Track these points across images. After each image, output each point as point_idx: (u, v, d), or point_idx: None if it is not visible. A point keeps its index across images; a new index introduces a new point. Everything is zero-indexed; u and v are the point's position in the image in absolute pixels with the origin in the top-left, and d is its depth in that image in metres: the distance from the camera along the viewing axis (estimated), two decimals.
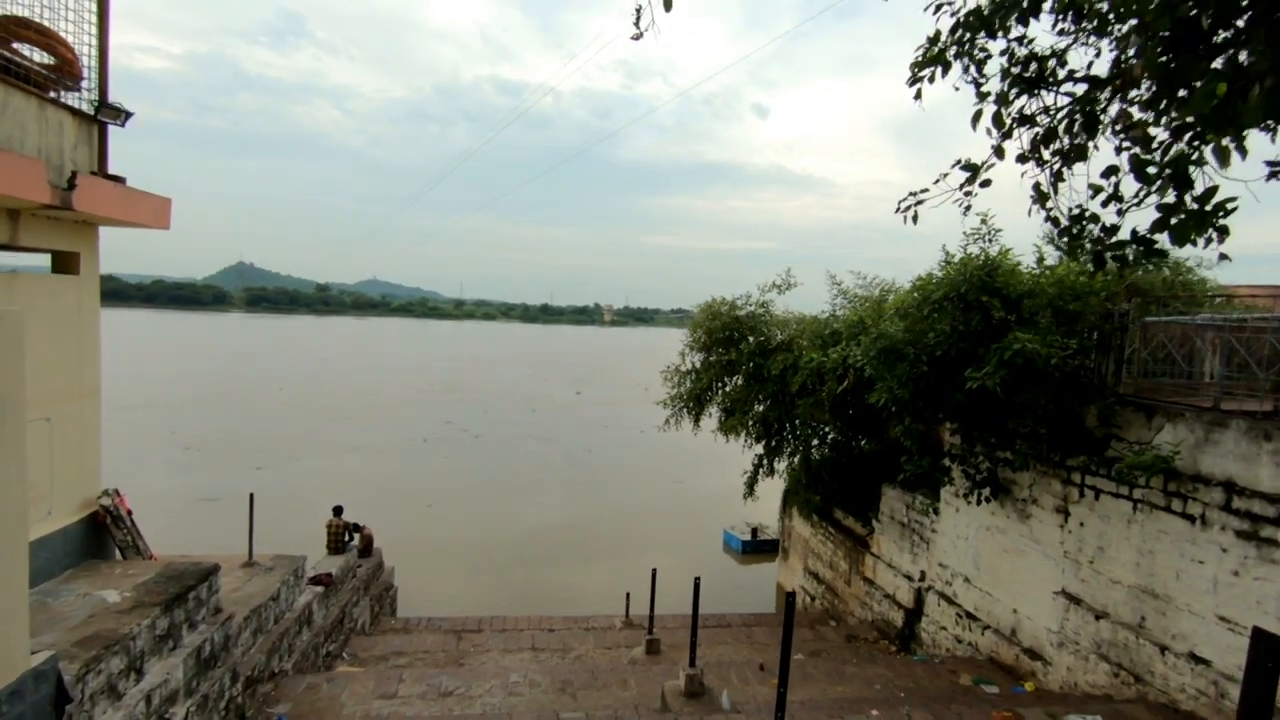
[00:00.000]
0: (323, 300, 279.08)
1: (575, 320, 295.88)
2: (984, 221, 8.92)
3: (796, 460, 17.15)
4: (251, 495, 10.25)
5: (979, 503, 10.53)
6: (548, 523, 24.59)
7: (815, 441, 14.97)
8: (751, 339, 15.92)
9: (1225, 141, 3.24)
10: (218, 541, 13.61)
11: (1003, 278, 8.52)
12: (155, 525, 10.54)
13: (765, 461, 17.23)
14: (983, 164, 4.33)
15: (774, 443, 16.44)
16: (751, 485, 17.34)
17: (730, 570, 21.36)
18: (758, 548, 22.87)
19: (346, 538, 13.13)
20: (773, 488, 29.54)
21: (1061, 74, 4.15)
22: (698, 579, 10.57)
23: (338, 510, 13.31)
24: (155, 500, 23.20)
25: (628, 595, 14.50)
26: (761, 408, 14.81)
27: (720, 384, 16.73)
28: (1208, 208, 3.35)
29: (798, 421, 14.40)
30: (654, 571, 11.18)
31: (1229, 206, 3.33)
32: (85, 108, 6.97)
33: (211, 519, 21.29)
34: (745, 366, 15.67)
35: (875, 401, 9.64)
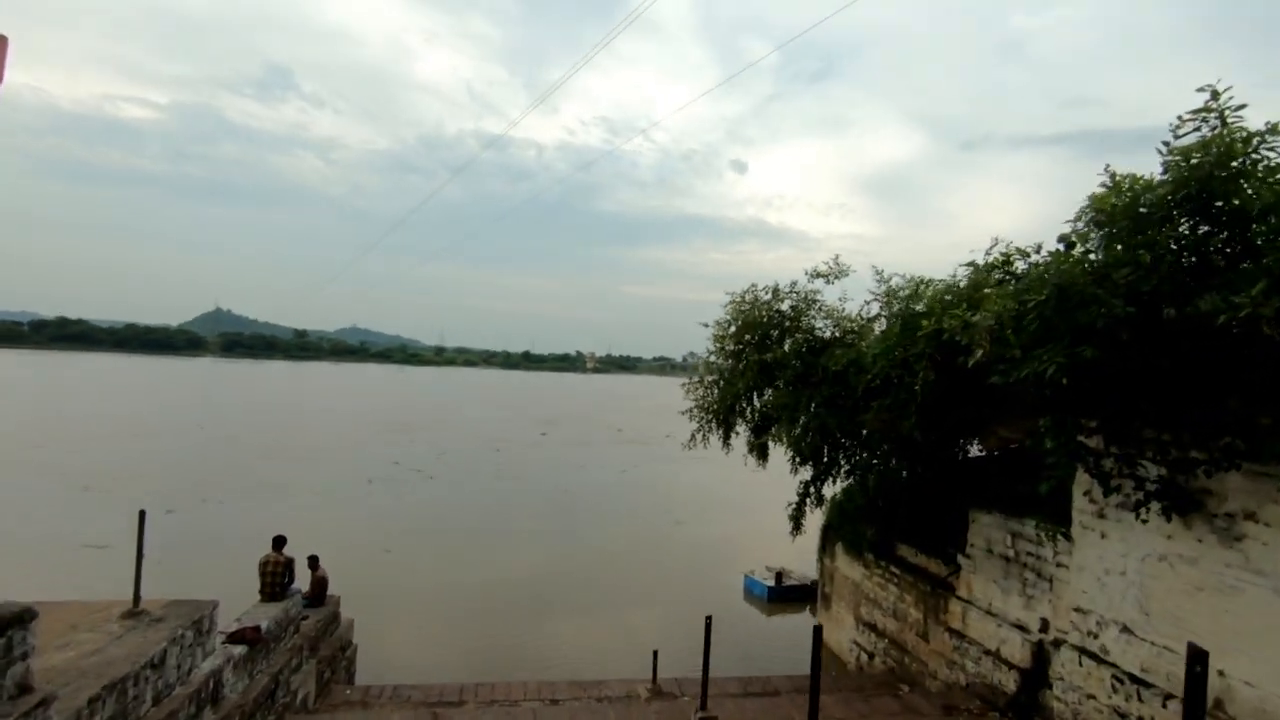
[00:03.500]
0: (300, 346, 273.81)
1: (557, 367, 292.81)
2: (1216, 96, 6.37)
3: (848, 486, 14.31)
4: (142, 514, 7.19)
5: (1144, 522, 7.76)
6: (529, 570, 21.19)
7: (876, 460, 12.11)
8: (798, 335, 13.25)
9: None
10: (100, 592, 10.26)
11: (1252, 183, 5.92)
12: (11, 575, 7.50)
13: (814, 488, 14.35)
14: None
15: (825, 462, 13.62)
16: (798, 519, 14.42)
17: (757, 622, 18.17)
18: (785, 595, 19.72)
19: (287, 579, 9.96)
20: (785, 523, 26.46)
21: None
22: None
23: (278, 542, 10.18)
24: (28, 546, 19.59)
25: (655, 654, 11.36)
26: (812, 417, 11.98)
27: (755, 392, 13.95)
28: None
29: (864, 433, 11.60)
30: (708, 621, 8.20)
31: None
32: None
33: (99, 568, 17.15)
34: (790, 368, 12.95)
35: (1023, 376, 6.91)
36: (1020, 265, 6.82)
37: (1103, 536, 8.65)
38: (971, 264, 9.99)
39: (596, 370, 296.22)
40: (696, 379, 15.01)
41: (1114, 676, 8.35)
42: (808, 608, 19.48)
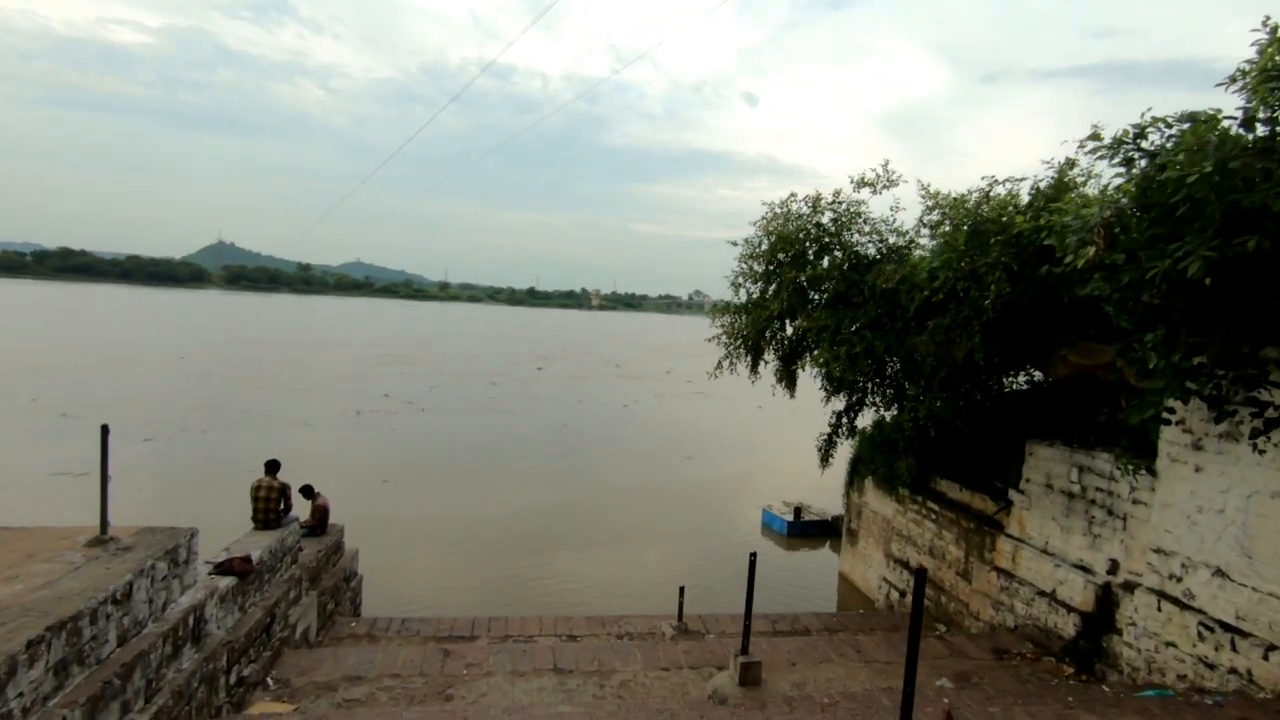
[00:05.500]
0: (304, 280, 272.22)
1: (563, 304, 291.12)
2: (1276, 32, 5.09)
3: (879, 419, 13.32)
4: (104, 429, 6.20)
5: (1261, 453, 6.73)
6: (535, 504, 20.54)
7: (925, 386, 10.95)
8: (838, 252, 11.99)
9: None
10: (73, 520, 9.38)
11: None
12: None
13: (846, 418, 13.37)
14: None
15: (862, 391, 12.59)
16: (827, 451, 13.50)
17: (777, 558, 17.55)
18: (804, 530, 19.10)
19: (283, 506, 9.10)
20: (801, 459, 25.69)
21: None
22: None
23: (271, 466, 9.28)
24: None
25: (681, 590, 10.64)
26: (856, 340, 10.80)
27: (788, 317, 12.78)
28: None
29: (914, 357, 10.48)
30: (752, 558, 7.30)
31: None
32: None
33: (73, 496, 16.37)
34: (831, 287, 11.76)
35: (1148, 278, 5.73)
36: (1155, 139, 5.56)
37: (1197, 470, 7.63)
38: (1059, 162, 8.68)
39: (602, 307, 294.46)
40: (724, 303, 13.81)
41: (1201, 624, 7.48)
42: (827, 543, 18.91)
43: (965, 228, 9.10)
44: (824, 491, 20.97)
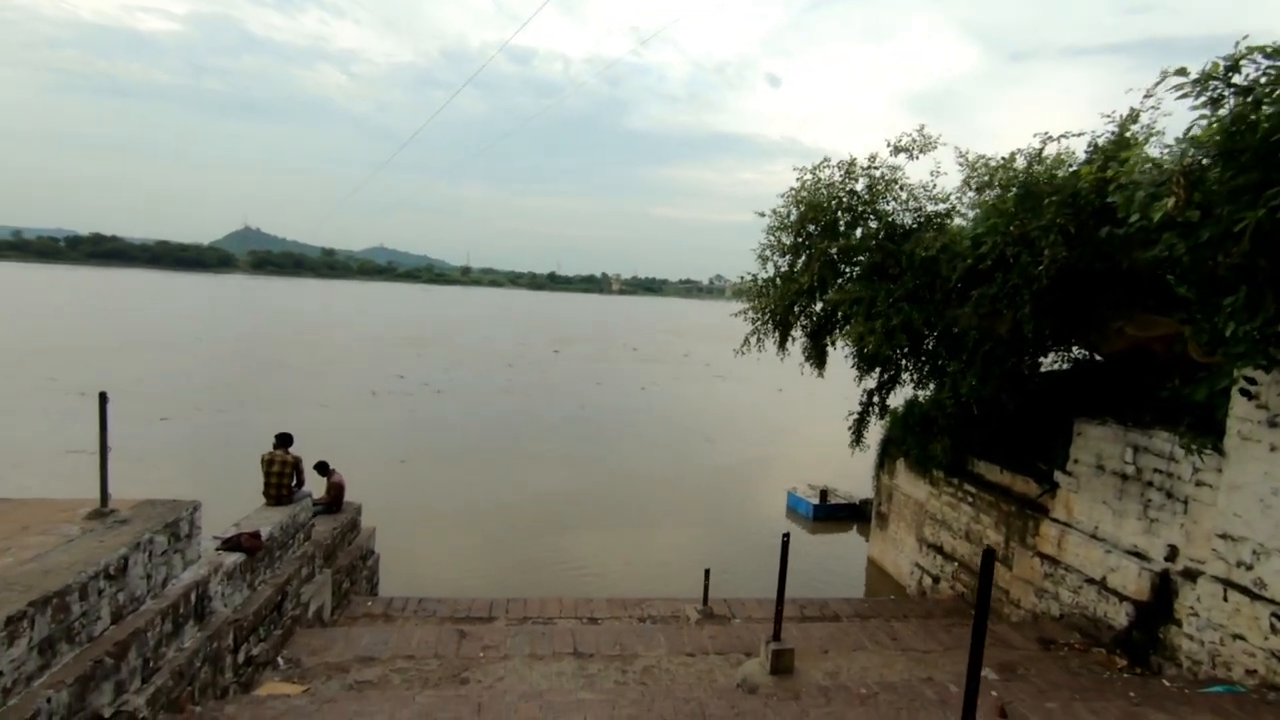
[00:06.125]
0: (329, 265, 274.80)
1: (583, 289, 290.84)
2: None
3: (911, 399, 12.74)
4: (103, 396, 5.91)
5: None
6: (554, 486, 20.19)
7: (966, 362, 10.29)
8: (871, 221, 11.38)
9: None
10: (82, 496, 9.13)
11: None
12: None
13: (878, 396, 12.81)
14: None
15: (895, 368, 12.02)
16: (859, 431, 12.97)
17: (803, 542, 17.05)
18: (831, 513, 18.58)
19: (295, 481, 8.82)
20: (825, 442, 24.98)
21: None
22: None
23: (282, 439, 8.99)
24: (7, 451, 18.66)
25: (706, 573, 10.23)
26: (893, 313, 10.17)
27: (817, 291, 12.18)
28: None
29: (954, 330, 9.86)
30: (785, 539, 6.87)
31: None
32: None
33: (84, 474, 15.95)
34: (866, 257, 11.17)
35: (1239, 229, 5.12)
36: (1249, 73, 4.93)
37: (1272, 449, 6.99)
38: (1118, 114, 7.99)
39: (622, 292, 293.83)
40: (750, 278, 13.24)
41: (1274, 615, 6.88)
42: (854, 527, 18.39)
43: (1014, 190, 8.45)
44: (849, 476, 20.45)
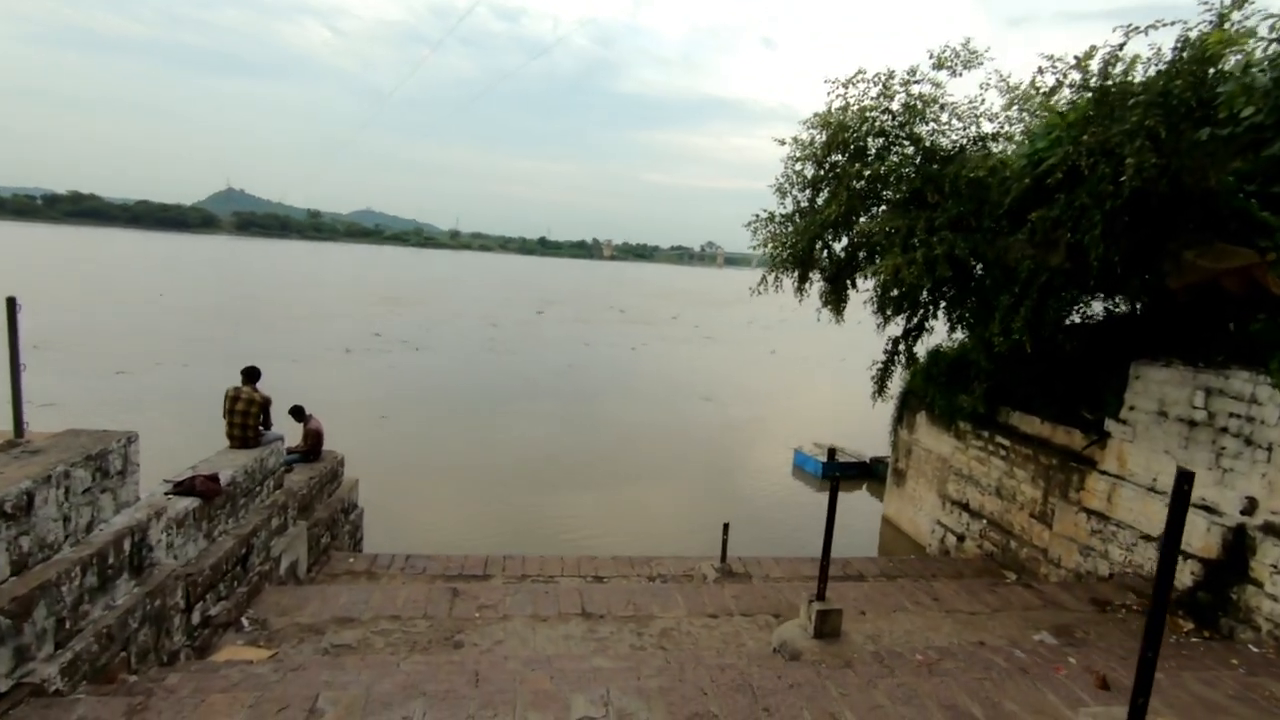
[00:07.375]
0: (315, 227, 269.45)
1: (574, 254, 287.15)
2: None
3: (959, 340, 11.76)
4: (11, 301, 4.79)
5: None
6: (546, 442, 19.20)
7: (1019, 297, 9.16)
8: (909, 147, 10.26)
9: None
10: None
11: None
12: None
13: (905, 343, 11.87)
14: None
15: (929, 310, 11.05)
16: (883, 382, 12.07)
17: (811, 500, 16.32)
18: (839, 471, 17.74)
19: (263, 422, 7.77)
20: (826, 402, 24.10)
21: None
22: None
23: (250, 374, 7.92)
24: None
25: (725, 527, 9.35)
26: (936, 243, 9.07)
27: (842, 226, 11.07)
28: None
29: (1007, 261, 8.81)
30: (834, 481, 5.98)
31: None
32: None
33: (41, 426, 14.81)
34: (901, 187, 10.08)
35: None
36: None
37: None
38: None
39: (613, 258, 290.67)
40: (766, 215, 12.10)
41: None
42: (864, 486, 17.64)
43: (1090, 93, 7.36)
44: (851, 436, 19.73)
